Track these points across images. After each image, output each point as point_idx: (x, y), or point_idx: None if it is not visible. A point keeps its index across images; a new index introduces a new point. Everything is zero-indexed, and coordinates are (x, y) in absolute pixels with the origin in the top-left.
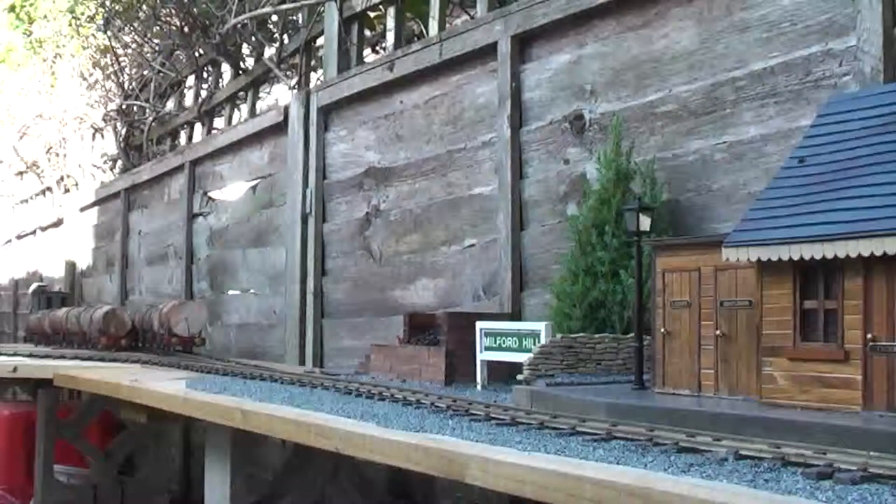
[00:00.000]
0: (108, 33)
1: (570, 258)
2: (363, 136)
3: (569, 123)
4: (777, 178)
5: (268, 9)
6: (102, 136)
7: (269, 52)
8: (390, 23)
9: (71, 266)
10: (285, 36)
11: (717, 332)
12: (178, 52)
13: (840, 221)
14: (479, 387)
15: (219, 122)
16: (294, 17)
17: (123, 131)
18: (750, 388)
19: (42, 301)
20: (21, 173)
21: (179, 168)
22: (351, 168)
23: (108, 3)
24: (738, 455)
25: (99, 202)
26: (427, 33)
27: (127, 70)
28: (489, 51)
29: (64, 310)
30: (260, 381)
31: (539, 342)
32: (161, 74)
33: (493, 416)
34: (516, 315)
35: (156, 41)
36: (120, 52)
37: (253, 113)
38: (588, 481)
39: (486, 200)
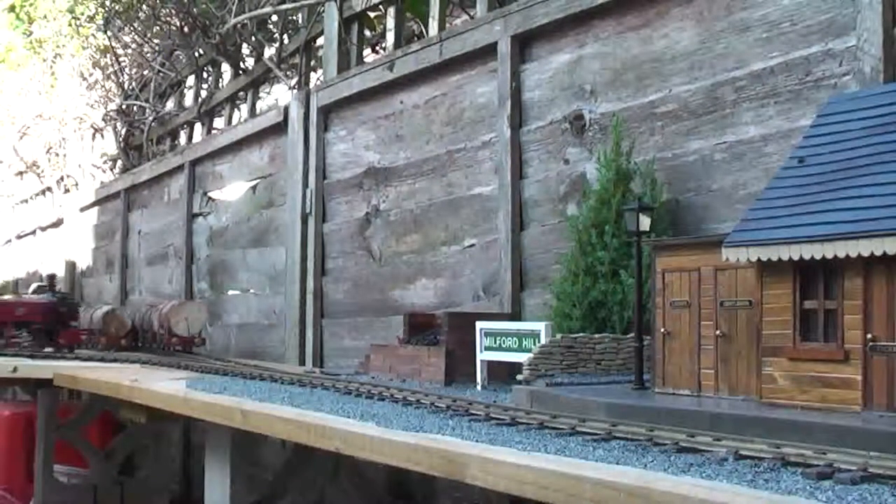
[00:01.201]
0: (108, 33)
1: (570, 258)
2: (363, 136)
3: (569, 123)
4: (777, 178)
5: (268, 9)
6: (102, 136)
7: (269, 52)
8: (390, 23)
9: (71, 266)
10: (285, 36)
11: (717, 332)
12: (178, 52)
13: (840, 221)
14: (479, 387)
15: (219, 122)
16: (294, 17)
17: (123, 131)
18: (750, 388)
19: None
20: (21, 173)
21: (179, 168)
22: (351, 168)
23: (108, 3)
24: (738, 455)
25: (99, 202)
26: (427, 33)
27: (127, 70)
28: (489, 51)
29: None
30: (260, 381)
31: (539, 342)
32: (161, 74)
33: (493, 416)
34: (516, 315)
35: (156, 41)
36: (120, 52)
37: (253, 113)
38: (588, 481)
39: (486, 200)
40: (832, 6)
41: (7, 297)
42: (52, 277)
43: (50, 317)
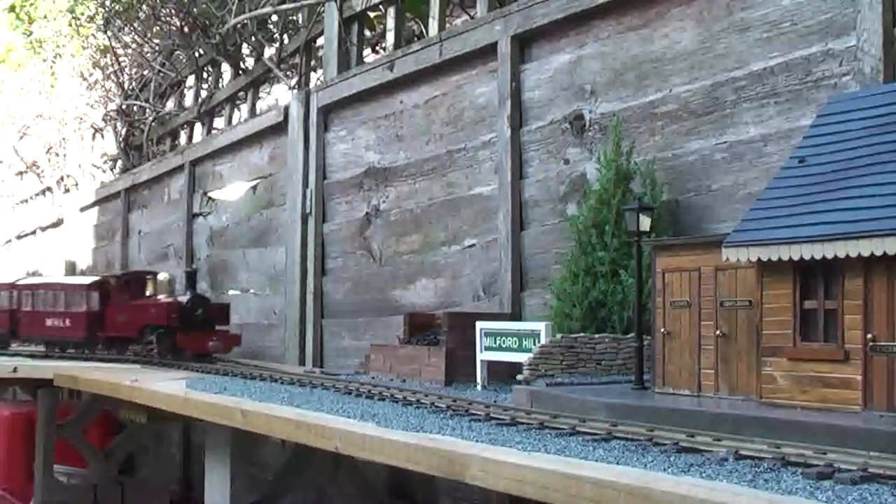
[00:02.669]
0: (108, 33)
1: (570, 258)
2: (363, 136)
3: (569, 123)
4: (777, 178)
5: (268, 9)
6: (102, 136)
7: (269, 52)
8: (390, 23)
9: (71, 266)
10: (285, 36)
11: (717, 332)
12: (178, 52)
13: (840, 221)
14: (479, 387)
15: (219, 122)
16: (294, 17)
17: (123, 131)
18: (750, 388)
19: None
20: (21, 173)
21: (179, 168)
22: (351, 168)
23: (108, 3)
24: (738, 455)
25: (99, 202)
26: (427, 33)
27: (127, 70)
28: (489, 51)
29: None
30: (260, 381)
31: (539, 342)
32: (161, 74)
33: (493, 416)
34: (516, 315)
35: (156, 41)
36: (120, 52)
37: (253, 113)
38: (588, 481)
39: (486, 200)
40: (832, 6)
41: (161, 297)
42: (192, 274)
43: (176, 320)
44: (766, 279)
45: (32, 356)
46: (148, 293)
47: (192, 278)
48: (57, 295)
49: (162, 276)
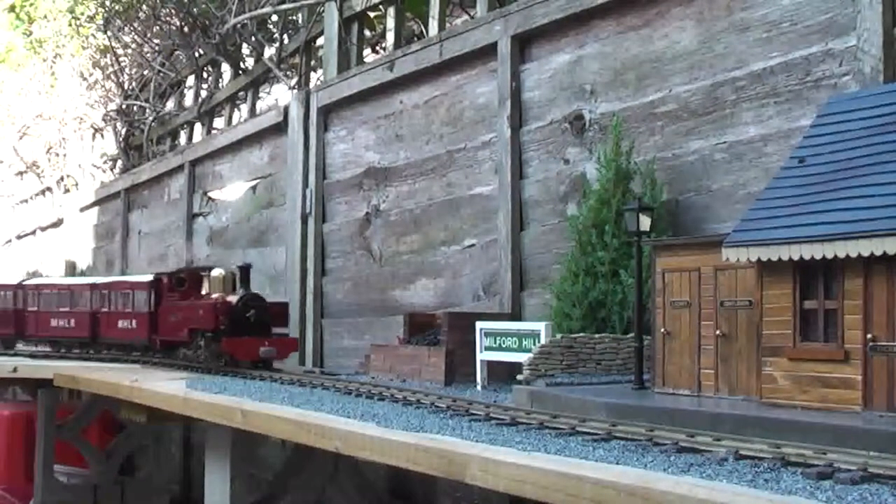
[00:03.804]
0: (108, 33)
1: (570, 258)
2: (363, 136)
3: (569, 123)
4: (777, 178)
5: (268, 9)
6: (102, 136)
7: (269, 52)
8: (390, 23)
9: (71, 266)
10: (285, 36)
11: (717, 332)
12: (178, 52)
13: (840, 221)
14: (479, 387)
15: (219, 122)
16: (294, 17)
17: (123, 131)
18: (750, 388)
19: None
20: (21, 173)
21: (179, 168)
22: (351, 168)
23: (108, 3)
24: (738, 455)
25: (99, 202)
26: (427, 33)
27: (127, 70)
28: (489, 51)
29: None
30: (260, 381)
31: (539, 342)
32: (161, 74)
33: (493, 416)
34: (516, 315)
35: (156, 41)
36: (120, 52)
37: (253, 113)
38: (588, 481)
39: (486, 200)
40: (832, 6)
41: (215, 296)
42: (245, 270)
43: (223, 323)
44: (766, 279)
45: (32, 356)
46: (204, 292)
47: (245, 274)
48: (123, 295)
49: (216, 273)
